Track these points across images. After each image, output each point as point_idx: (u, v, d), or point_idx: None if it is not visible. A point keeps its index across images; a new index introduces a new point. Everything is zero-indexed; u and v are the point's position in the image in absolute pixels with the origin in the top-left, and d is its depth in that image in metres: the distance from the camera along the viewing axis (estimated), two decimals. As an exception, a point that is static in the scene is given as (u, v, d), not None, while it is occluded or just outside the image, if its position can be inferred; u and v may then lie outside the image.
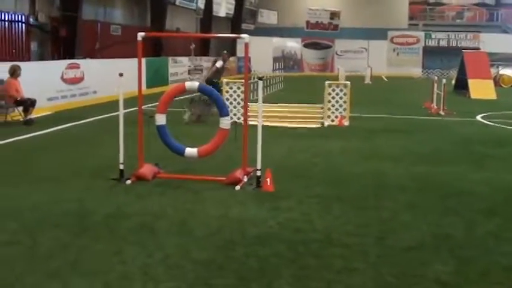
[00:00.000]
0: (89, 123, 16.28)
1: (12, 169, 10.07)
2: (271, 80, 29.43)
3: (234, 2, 46.81)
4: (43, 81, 18.33)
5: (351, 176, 9.88)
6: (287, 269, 5.65)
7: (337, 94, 16.44)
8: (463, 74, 30.33)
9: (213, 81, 18.28)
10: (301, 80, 40.54)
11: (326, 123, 16.28)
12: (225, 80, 17.26)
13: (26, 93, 15.86)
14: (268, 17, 55.95)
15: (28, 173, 9.71)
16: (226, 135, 9.27)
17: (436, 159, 11.62)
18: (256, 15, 54.36)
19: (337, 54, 54.93)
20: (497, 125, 17.53)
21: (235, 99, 16.49)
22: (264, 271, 5.60)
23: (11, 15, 22.02)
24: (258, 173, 8.86)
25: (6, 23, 21.85)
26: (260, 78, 9.67)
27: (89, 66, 21.90)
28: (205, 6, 39.26)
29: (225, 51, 21.05)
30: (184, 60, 33.67)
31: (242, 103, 15.18)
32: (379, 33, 53.28)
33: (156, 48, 32.46)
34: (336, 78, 33.45)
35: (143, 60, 10.10)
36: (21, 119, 15.53)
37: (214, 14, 41.64)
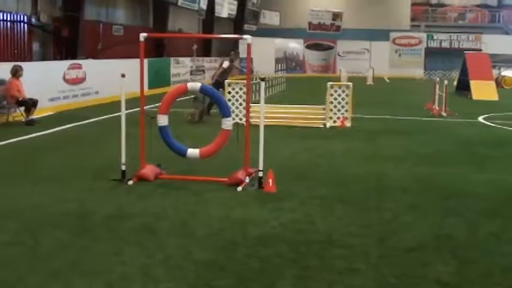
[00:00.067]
0: (90, 123, 16.29)
1: (14, 169, 10.07)
2: (274, 81, 29.42)
3: (236, 3, 46.81)
4: (45, 81, 18.35)
5: (353, 177, 9.88)
6: (289, 270, 5.65)
7: (339, 95, 16.44)
8: (465, 75, 30.31)
9: (219, 81, 18.33)
10: (303, 81, 40.54)
11: (328, 124, 16.27)
12: (226, 81, 17.26)
13: (28, 93, 15.88)
14: (270, 18, 55.93)
15: (30, 173, 9.71)
16: (228, 136, 9.26)
17: (437, 160, 11.62)
18: (258, 16, 54.34)
19: (339, 56, 54.92)
20: (499, 126, 17.51)
21: (237, 100, 16.48)
22: (266, 272, 5.60)
23: (13, 16, 22.04)
24: (260, 174, 8.86)
25: (9, 23, 21.87)
26: (262, 79, 9.67)
27: (91, 66, 21.90)
28: (207, 7, 39.25)
29: (233, 52, 21.14)
30: (187, 60, 33.70)
31: (244, 104, 15.17)
32: (381, 35, 53.29)
33: (158, 49, 32.49)
34: (338, 79, 33.46)
35: (145, 60, 10.08)
36: (23, 120, 15.53)
37: (216, 14, 41.65)
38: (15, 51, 22.13)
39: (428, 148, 13.08)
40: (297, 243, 6.43)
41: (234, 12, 46.75)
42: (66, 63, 20.69)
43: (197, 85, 9.54)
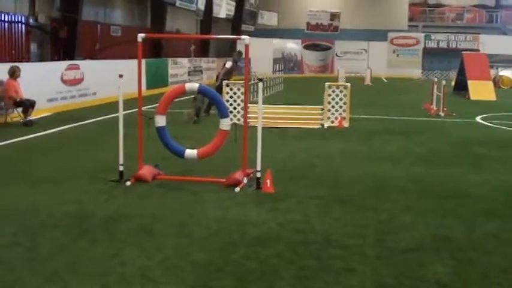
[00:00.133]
0: (88, 124, 16.28)
1: (12, 170, 10.07)
2: (272, 82, 29.44)
3: (234, 3, 46.81)
4: (43, 82, 18.34)
5: (350, 177, 9.89)
6: (287, 270, 5.66)
7: (337, 95, 16.45)
8: (462, 75, 30.34)
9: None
10: (301, 82, 40.55)
11: (326, 125, 16.28)
12: (225, 82, 17.27)
13: (26, 94, 15.88)
14: (268, 19, 55.95)
15: (27, 174, 9.71)
16: (226, 136, 9.26)
17: (435, 161, 11.63)
18: (256, 17, 54.35)
19: (337, 56, 54.93)
20: (496, 126, 17.53)
21: (235, 101, 16.50)
22: (264, 272, 5.61)
23: (11, 16, 22.01)
24: (258, 175, 8.87)
25: (6, 24, 21.83)
26: (260, 80, 9.67)
27: (88, 67, 21.89)
28: (205, 7, 39.24)
29: (236, 52, 21.22)
30: (184, 61, 33.68)
31: (242, 104, 15.18)
32: (379, 35, 53.30)
33: (156, 50, 32.47)
34: (336, 79, 33.48)
35: (143, 61, 10.09)
36: (21, 120, 15.52)
37: (214, 15, 41.63)
38: (13, 51, 22.09)
39: (425, 148, 13.10)
40: (294, 243, 6.44)
41: (232, 13, 46.74)
42: (64, 64, 20.69)
43: (195, 86, 9.54)
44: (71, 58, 23.09)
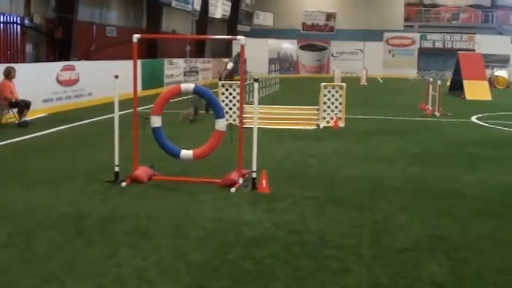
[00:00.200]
0: (84, 125, 16.26)
1: (7, 171, 10.05)
2: (267, 82, 29.45)
3: (230, 4, 46.82)
4: (38, 83, 18.32)
5: (346, 178, 9.90)
6: (283, 271, 5.66)
7: (332, 96, 16.47)
8: (458, 75, 30.39)
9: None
10: (297, 82, 40.57)
11: (322, 125, 16.30)
12: (220, 82, 17.27)
13: (21, 95, 15.84)
14: (264, 19, 56.00)
15: (23, 175, 9.69)
16: (221, 137, 9.26)
17: (430, 161, 11.65)
18: (252, 17, 54.40)
19: (333, 56, 54.99)
20: (492, 126, 17.57)
21: (230, 101, 16.50)
22: (260, 273, 5.61)
23: (6, 17, 21.98)
24: (254, 175, 8.87)
25: (1, 25, 21.79)
26: (256, 80, 9.68)
27: (84, 68, 21.87)
28: (201, 7, 39.26)
29: (237, 53, 21.33)
30: (180, 62, 33.67)
31: (238, 105, 15.18)
32: (374, 35, 53.40)
33: (151, 50, 32.46)
34: (332, 79, 33.50)
35: (139, 62, 10.09)
36: (16, 121, 15.47)
37: (210, 15, 41.65)
38: (8, 52, 22.07)
39: (421, 148, 13.12)
40: (290, 244, 6.44)
41: (228, 13, 46.79)
42: (59, 65, 20.67)
43: (190, 86, 9.54)
44: (67, 59, 23.07)
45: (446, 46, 53.53)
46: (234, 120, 15.14)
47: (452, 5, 58.29)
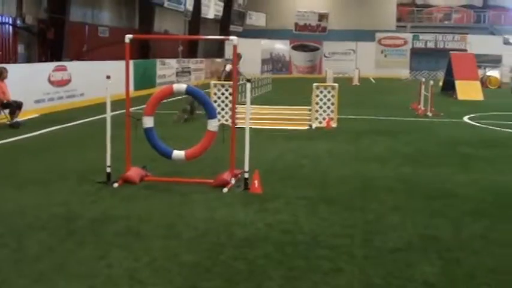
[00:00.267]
0: (76, 126, 16.21)
1: (-1, 172, 10.01)
2: (260, 82, 29.45)
3: (222, 4, 46.80)
4: (30, 83, 18.24)
5: (338, 178, 9.90)
6: (275, 271, 5.65)
7: (325, 96, 16.47)
8: (450, 75, 30.46)
9: None
10: (289, 82, 40.58)
11: (314, 125, 16.30)
12: (212, 82, 17.27)
13: (13, 95, 15.77)
14: (256, 19, 55.98)
15: (14, 176, 9.65)
16: (214, 137, 9.24)
17: (423, 161, 11.66)
18: (244, 17, 54.38)
19: (325, 56, 55.02)
20: (484, 126, 17.61)
21: (223, 102, 16.48)
22: (252, 273, 5.60)
23: (-2, 18, 21.93)
24: (246, 175, 8.86)
25: (-7, 25, 21.76)
26: (248, 80, 9.67)
27: (76, 68, 21.80)
28: (193, 8, 39.22)
29: (237, 53, 21.29)
30: (172, 62, 33.62)
31: (230, 105, 15.16)
32: (367, 35, 53.46)
33: (144, 50, 32.40)
34: (324, 80, 33.54)
35: (131, 62, 10.07)
36: (8, 122, 15.41)
37: (202, 16, 41.62)
38: (0, 53, 21.99)
39: (413, 148, 13.14)
40: (282, 244, 6.43)
41: (220, 13, 46.77)
42: (51, 65, 20.59)
43: (183, 86, 9.52)
44: (59, 59, 23.01)
45: (438, 46, 53.63)
46: (227, 120, 15.12)
47: (444, 5, 58.46)
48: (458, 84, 28.80)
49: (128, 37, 9.37)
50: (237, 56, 21.21)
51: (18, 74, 17.25)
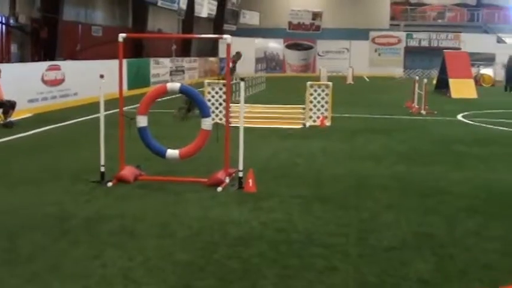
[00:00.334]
0: (69, 125, 16.17)
1: (-8, 172, 9.98)
2: (254, 81, 29.44)
3: (216, 3, 46.76)
4: (23, 83, 18.18)
5: (332, 176, 9.90)
6: (269, 270, 5.65)
7: (318, 95, 16.48)
8: (444, 73, 30.52)
9: None
10: (283, 81, 40.59)
11: (308, 124, 16.30)
12: (206, 81, 17.26)
13: (6, 95, 15.72)
14: (250, 18, 55.97)
15: (8, 175, 9.62)
16: (208, 136, 9.23)
17: (417, 159, 11.68)
18: (238, 16, 54.35)
19: (319, 55, 55.05)
20: (477, 124, 17.65)
21: (217, 100, 16.47)
22: (246, 272, 5.59)
23: (-9, 17, 21.87)
24: (240, 174, 8.85)
25: (-14, 25, 21.70)
26: (242, 79, 9.66)
27: (69, 67, 21.75)
28: (187, 6, 39.17)
29: (236, 53, 21.29)
30: (166, 61, 33.57)
31: (224, 104, 15.15)
32: (360, 34, 53.52)
33: (137, 49, 32.36)
34: (318, 78, 33.55)
35: (124, 61, 10.05)
36: (1, 122, 15.36)
37: (196, 14, 41.58)
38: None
39: (407, 146, 13.16)
40: (277, 242, 6.43)
41: (214, 12, 46.73)
42: (44, 65, 20.52)
43: (176, 85, 9.50)
44: (52, 58, 22.95)
45: (432, 45, 53.74)
46: (221, 119, 15.11)
47: (438, 4, 58.59)
48: (452, 82, 28.86)
49: (122, 36, 9.36)
50: (238, 55, 21.30)
51: (11, 73, 17.19)
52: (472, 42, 49.52)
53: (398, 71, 50.61)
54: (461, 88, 28.35)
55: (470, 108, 22.09)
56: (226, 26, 49.61)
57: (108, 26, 31.44)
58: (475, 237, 6.74)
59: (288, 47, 55.14)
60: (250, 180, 8.72)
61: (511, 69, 34.35)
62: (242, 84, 9.40)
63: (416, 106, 20.78)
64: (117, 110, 9.53)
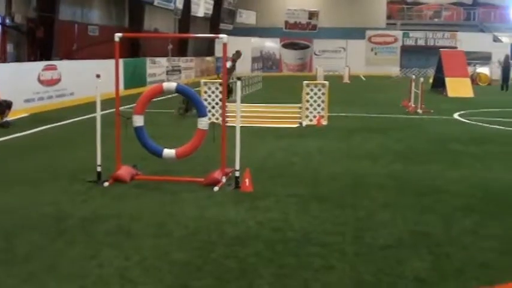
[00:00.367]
0: (66, 125, 16.16)
1: (-12, 172, 9.96)
2: (250, 80, 29.43)
3: (212, 2, 46.73)
4: (19, 82, 18.17)
5: (329, 175, 9.91)
6: (266, 269, 5.65)
7: (315, 94, 16.48)
8: (440, 72, 30.55)
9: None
10: (279, 80, 40.59)
11: (304, 123, 16.30)
12: (202, 81, 17.27)
13: (2, 95, 15.71)
14: (246, 17, 55.96)
15: (4, 175, 9.61)
16: (204, 135, 9.23)
17: (413, 158, 11.69)
18: (234, 15, 54.33)
19: (316, 54, 55.04)
20: (474, 122, 17.67)
21: (213, 100, 16.47)
22: (243, 271, 5.60)
23: (-13, 17, 21.82)
24: (237, 174, 8.86)
25: (-18, 25, 21.65)
26: (238, 79, 9.67)
27: (66, 67, 21.73)
28: (183, 6, 39.14)
29: (236, 52, 21.27)
30: (163, 60, 33.53)
31: (220, 103, 15.15)
32: (357, 33, 53.51)
33: (134, 49, 32.31)
34: (315, 78, 33.56)
35: (121, 61, 10.05)
36: (-3, 122, 15.37)
37: (192, 14, 41.54)
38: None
39: (404, 145, 13.17)
40: (273, 241, 6.44)
41: (210, 12, 46.70)
42: (40, 64, 20.50)
43: (172, 85, 9.50)
44: (48, 58, 22.90)
45: (428, 44, 53.75)
46: (217, 118, 15.10)
47: (434, 3, 58.61)
48: (448, 81, 28.88)
49: (118, 36, 9.35)
50: (237, 54, 21.28)
51: (7, 73, 17.20)
52: (468, 41, 49.53)
53: (394, 70, 50.64)
54: (458, 87, 28.37)
55: (466, 107, 22.11)
56: (222, 26, 49.58)
57: (105, 25, 31.40)
58: (472, 236, 6.75)
59: (285, 46, 55.11)
60: (247, 180, 8.72)
61: (507, 68, 34.43)
62: (239, 83, 9.40)
63: (413, 105, 20.79)
64: (114, 109, 9.52)
